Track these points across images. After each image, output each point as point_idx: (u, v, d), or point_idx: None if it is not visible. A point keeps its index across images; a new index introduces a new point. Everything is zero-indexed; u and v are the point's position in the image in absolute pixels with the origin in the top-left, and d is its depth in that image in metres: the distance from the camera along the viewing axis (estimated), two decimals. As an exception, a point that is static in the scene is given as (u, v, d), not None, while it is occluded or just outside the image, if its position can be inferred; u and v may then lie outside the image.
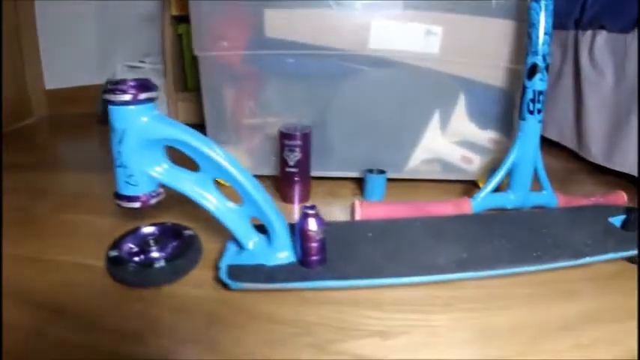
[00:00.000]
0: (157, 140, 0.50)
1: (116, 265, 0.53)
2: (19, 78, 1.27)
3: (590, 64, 0.96)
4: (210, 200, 0.52)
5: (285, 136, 0.71)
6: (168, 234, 0.60)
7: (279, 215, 0.52)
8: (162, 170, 0.52)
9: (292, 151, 0.71)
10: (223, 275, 0.50)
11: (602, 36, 0.92)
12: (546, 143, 1.14)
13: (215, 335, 0.45)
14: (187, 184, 0.52)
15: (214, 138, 0.80)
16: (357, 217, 0.64)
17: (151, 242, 0.57)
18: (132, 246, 0.58)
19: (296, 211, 0.75)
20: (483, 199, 0.71)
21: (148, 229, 0.60)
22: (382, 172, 0.77)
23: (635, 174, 0.85)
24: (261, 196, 0.51)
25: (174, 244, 0.58)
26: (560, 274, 0.57)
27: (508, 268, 0.54)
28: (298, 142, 0.71)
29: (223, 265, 0.52)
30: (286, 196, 0.77)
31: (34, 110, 1.34)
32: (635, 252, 0.59)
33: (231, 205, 0.52)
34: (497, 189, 0.73)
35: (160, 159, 0.52)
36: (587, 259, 0.57)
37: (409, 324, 0.48)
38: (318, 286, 0.50)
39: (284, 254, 0.52)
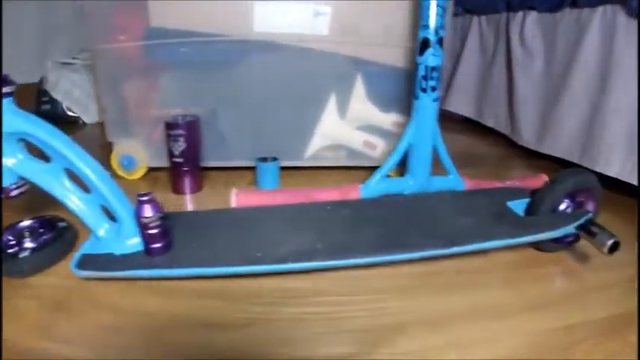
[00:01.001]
0: (10, 133, 0.56)
1: (-13, 256, 0.59)
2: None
3: (521, 47, 0.97)
4: (59, 189, 0.57)
5: (169, 126, 0.76)
6: (45, 226, 0.66)
7: (124, 202, 0.57)
8: (16, 161, 0.57)
9: (176, 141, 0.75)
10: (72, 263, 0.55)
11: (532, 16, 0.94)
12: (485, 130, 1.16)
13: (55, 323, 0.50)
14: (39, 174, 0.57)
15: (112, 132, 0.86)
16: (233, 205, 0.68)
17: (26, 234, 0.64)
18: (10, 238, 0.64)
19: (188, 202, 0.80)
20: (376, 185, 0.74)
21: (26, 222, 0.66)
22: (275, 159, 0.81)
23: (566, 157, 0.86)
24: (105, 184, 0.56)
25: (47, 236, 0.64)
26: (448, 265, 0.56)
27: (364, 257, 0.53)
28: (181, 132, 0.75)
29: (77, 254, 0.57)
30: (176, 187, 0.81)
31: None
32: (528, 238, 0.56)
33: (80, 193, 0.57)
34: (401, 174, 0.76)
35: (15, 151, 0.57)
36: (465, 248, 0.55)
37: (251, 316, 0.48)
38: (153, 275, 0.54)
39: (133, 242, 0.57)
